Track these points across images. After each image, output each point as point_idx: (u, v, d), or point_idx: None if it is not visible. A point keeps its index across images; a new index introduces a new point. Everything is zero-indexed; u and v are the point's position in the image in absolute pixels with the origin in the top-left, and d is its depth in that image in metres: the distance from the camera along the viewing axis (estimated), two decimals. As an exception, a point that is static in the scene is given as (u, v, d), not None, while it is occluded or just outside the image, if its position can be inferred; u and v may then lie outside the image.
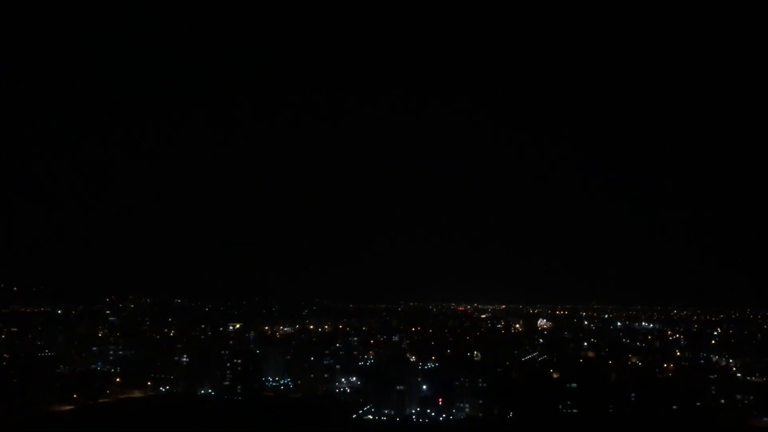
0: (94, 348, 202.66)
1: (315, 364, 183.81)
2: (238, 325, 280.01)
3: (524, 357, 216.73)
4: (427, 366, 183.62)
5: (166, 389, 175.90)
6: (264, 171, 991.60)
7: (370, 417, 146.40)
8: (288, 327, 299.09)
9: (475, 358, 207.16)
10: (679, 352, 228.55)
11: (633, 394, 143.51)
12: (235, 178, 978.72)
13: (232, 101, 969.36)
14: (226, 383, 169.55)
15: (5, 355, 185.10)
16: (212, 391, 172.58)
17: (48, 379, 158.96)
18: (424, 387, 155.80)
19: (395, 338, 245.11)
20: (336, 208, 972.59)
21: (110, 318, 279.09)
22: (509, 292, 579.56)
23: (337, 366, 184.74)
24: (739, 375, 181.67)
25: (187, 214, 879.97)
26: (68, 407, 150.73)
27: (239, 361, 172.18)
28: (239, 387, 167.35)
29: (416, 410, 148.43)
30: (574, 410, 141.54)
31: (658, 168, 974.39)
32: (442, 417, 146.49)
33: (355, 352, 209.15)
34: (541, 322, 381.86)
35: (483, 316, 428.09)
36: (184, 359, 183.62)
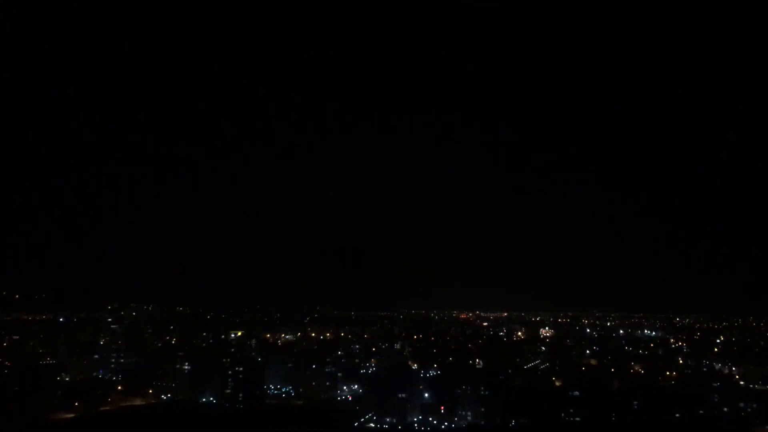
0: (96, 356, 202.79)
1: (316, 371, 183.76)
2: (239, 333, 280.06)
3: (526, 365, 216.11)
4: (429, 373, 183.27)
5: (168, 397, 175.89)
6: (266, 178, 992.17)
7: (372, 425, 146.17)
8: (290, 334, 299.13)
9: (477, 366, 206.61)
10: (682, 359, 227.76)
11: (635, 402, 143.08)
12: (237, 185, 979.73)
13: (232, 104, 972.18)
14: (228, 391, 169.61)
15: (7, 362, 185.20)
16: (214, 399, 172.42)
17: (50, 387, 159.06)
18: (426, 395, 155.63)
19: (397, 346, 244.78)
20: (338, 215, 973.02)
21: (112, 326, 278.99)
22: (511, 299, 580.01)
23: (339, 373, 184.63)
24: (741, 383, 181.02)
25: (189, 222, 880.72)
26: (70, 415, 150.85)
27: (241, 368, 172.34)
28: (241, 395, 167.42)
29: (418, 418, 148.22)
30: (577, 418, 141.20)
31: (661, 176, 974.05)
32: (444, 425, 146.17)
33: (356, 360, 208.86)
34: (543, 330, 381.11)
35: (485, 323, 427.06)
36: (186, 367, 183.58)
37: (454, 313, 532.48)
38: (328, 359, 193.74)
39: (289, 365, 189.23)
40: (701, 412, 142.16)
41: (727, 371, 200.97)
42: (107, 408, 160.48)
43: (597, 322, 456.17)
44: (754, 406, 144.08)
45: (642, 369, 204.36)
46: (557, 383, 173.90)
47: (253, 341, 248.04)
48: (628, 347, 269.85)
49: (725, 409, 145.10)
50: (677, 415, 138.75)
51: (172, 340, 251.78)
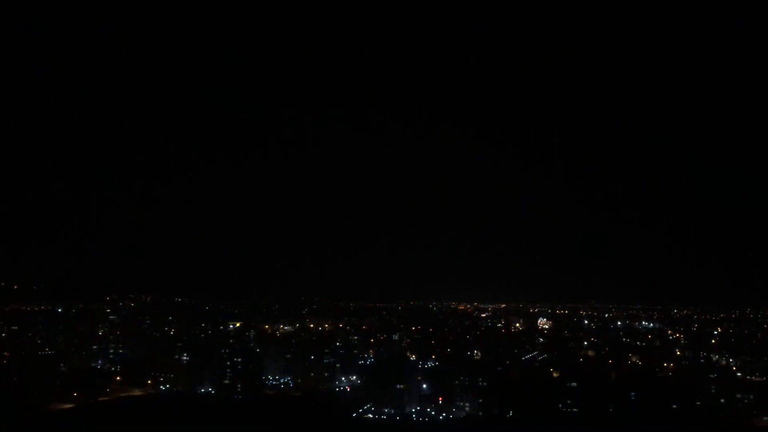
0: (95, 346, 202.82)
1: (315, 362, 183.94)
2: (238, 324, 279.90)
3: (524, 356, 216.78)
4: (427, 365, 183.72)
5: (166, 388, 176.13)
6: (263, 169, 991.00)
7: (371, 416, 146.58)
8: (288, 326, 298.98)
9: (475, 357, 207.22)
10: (679, 351, 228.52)
11: (633, 394, 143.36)
12: (235, 177, 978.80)
13: (230, 100, 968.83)
14: (227, 382, 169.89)
15: (5, 353, 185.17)
16: (212, 389, 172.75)
17: (48, 378, 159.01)
18: (424, 386, 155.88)
19: (395, 337, 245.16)
20: (336, 206, 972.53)
21: (110, 316, 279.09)
22: (509, 291, 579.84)
23: (338, 365, 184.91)
24: (739, 374, 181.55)
25: (187, 213, 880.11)
26: (68, 405, 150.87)
27: (239, 359, 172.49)
28: (239, 386, 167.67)
29: (416, 409, 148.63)
30: (574, 409, 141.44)
31: (658, 167, 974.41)
32: (442, 416, 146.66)
33: (355, 351, 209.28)
34: (541, 321, 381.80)
35: (483, 315, 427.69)
36: (185, 358, 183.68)
37: (453, 305, 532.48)
38: (326, 350, 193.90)
39: (288, 356, 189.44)
40: (698, 403, 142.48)
41: (724, 363, 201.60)
42: (106, 398, 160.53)
43: (595, 314, 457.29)
44: (751, 397, 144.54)
45: (639, 360, 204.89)
46: (555, 374, 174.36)
47: (252, 332, 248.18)
48: (626, 339, 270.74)
49: (722, 400, 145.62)
50: (674, 406, 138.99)
51: (171, 330, 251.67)
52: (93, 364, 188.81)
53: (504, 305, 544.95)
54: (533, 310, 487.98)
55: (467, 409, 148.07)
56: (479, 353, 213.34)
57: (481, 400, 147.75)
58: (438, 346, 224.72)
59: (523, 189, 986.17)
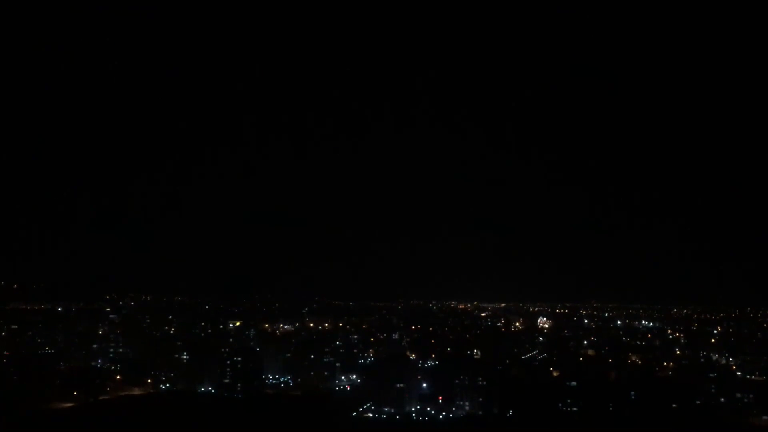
0: (94, 345, 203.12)
1: (315, 362, 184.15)
2: (238, 323, 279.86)
3: (524, 355, 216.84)
4: (427, 364, 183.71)
5: (166, 387, 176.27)
6: (262, 168, 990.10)
7: (370, 415, 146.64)
8: (288, 325, 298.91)
9: (475, 357, 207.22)
10: (679, 350, 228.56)
11: (633, 393, 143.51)
12: (235, 176, 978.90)
13: (229, 100, 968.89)
14: (227, 381, 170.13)
15: (5, 352, 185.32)
16: (212, 388, 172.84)
17: (48, 377, 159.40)
18: (424, 385, 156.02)
19: (395, 336, 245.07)
20: (336, 206, 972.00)
21: (110, 315, 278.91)
22: (509, 290, 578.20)
23: (337, 364, 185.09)
24: (738, 373, 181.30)
25: (187, 213, 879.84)
26: (68, 404, 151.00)
27: (239, 358, 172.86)
28: (239, 385, 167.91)
29: (416, 408, 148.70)
30: (574, 409, 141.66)
31: (657, 166, 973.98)
32: (442, 415, 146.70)
33: (355, 350, 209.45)
34: (541, 321, 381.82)
35: (483, 314, 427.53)
36: (184, 357, 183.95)
37: (453, 304, 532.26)
38: (326, 349, 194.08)
39: (288, 355, 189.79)
40: (698, 402, 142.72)
41: (724, 362, 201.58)
42: (106, 397, 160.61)
43: (595, 313, 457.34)
44: (751, 396, 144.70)
45: (639, 359, 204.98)
46: (555, 374, 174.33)
47: (252, 331, 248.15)
48: (626, 338, 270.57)
49: (722, 399, 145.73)
50: (674, 405, 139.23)
51: (171, 329, 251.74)
52: (93, 363, 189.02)
53: (504, 304, 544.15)
54: (533, 310, 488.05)
55: (467, 408, 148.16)
56: (479, 352, 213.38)
57: (481, 400, 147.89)
58: (438, 346, 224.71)
59: (523, 188, 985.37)
